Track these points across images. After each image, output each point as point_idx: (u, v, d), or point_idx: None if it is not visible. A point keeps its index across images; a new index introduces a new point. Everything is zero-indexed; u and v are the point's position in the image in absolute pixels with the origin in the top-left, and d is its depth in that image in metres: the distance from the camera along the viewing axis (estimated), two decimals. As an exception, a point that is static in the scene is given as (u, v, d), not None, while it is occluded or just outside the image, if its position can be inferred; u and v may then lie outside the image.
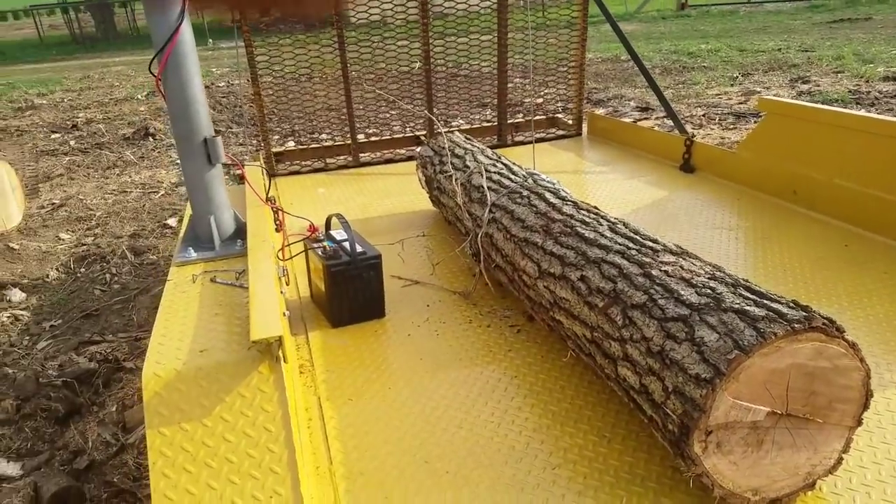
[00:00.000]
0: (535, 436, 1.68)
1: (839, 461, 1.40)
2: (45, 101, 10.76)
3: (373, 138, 4.81)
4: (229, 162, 2.02)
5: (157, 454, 1.29)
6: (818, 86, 7.93)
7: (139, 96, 10.65)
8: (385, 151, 4.73)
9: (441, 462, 1.60)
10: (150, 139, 7.76)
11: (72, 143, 7.89)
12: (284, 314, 1.94)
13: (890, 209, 2.69)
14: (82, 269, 4.21)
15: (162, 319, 1.59)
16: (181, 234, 2.05)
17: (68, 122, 8.92)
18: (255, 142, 7.13)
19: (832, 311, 2.18)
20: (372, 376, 1.99)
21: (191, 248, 1.95)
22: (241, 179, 2.64)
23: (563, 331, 1.90)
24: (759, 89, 8.01)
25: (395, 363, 2.07)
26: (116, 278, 4.02)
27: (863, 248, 2.66)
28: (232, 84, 10.98)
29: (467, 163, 2.97)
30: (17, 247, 4.59)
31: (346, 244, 2.32)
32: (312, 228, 2.47)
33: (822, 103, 7.00)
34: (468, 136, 3.40)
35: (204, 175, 1.91)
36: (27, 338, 3.40)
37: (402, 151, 4.73)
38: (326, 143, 4.69)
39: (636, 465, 1.55)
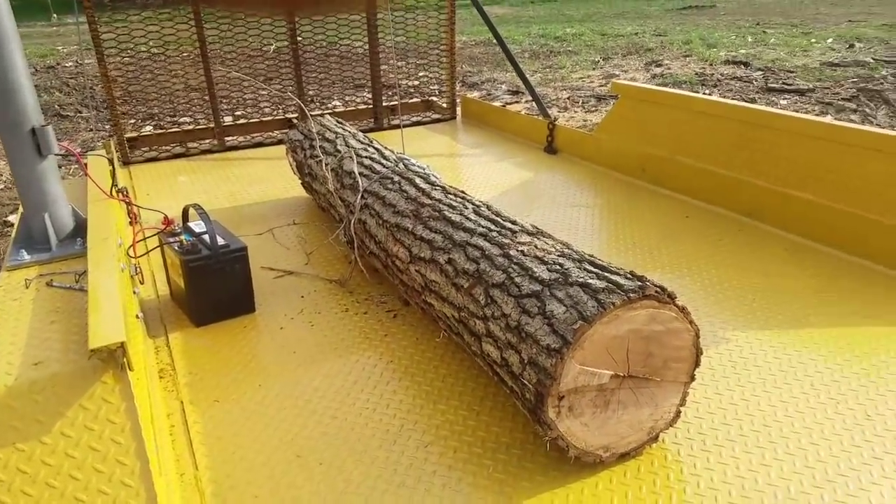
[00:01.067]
0: (409, 416, 1.74)
1: (678, 414, 1.57)
2: None
3: (241, 121, 4.64)
4: (64, 153, 1.88)
5: None
6: (669, 69, 8.54)
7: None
8: (254, 135, 4.56)
9: (314, 454, 1.61)
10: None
11: None
12: (137, 316, 1.85)
13: (723, 182, 2.98)
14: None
15: None
16: (13, 235, 1.89)
17: None
18: (108, 127, 6.66)
19: (673, 278, 2.41)
20: (240, 375, 1.95)
21: (23, 250, 1.78)
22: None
23: (434, 313, 1.97)
24: (618, 73, 8.52)
25: (265, 359, 2.03)
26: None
27: (701, 219, 2.94)
28: (81, 64, 10.12)
29: (338, 147, 2.96)
30: None
31: (206, 237, 2.21)
32: (167, 221, 2.33)
33: (672, 85, 7.56)
34: (339, 119, 3.38)
35: (34, 168, 1.76)
36: None
37: (274, 134, 4.58)
38: (188, 127, 4.47)
39: (501, 435, 1.65)
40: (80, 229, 1.87)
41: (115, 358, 1.29)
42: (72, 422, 1.26)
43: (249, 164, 4.07)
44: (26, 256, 1.77)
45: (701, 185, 3.09)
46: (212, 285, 2.19)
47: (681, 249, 2.65)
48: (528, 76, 4.49)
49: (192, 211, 2.29)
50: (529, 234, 1.84)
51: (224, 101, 4.24)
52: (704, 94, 7.17)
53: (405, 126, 4.89)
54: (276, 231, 2.95)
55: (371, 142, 3.02)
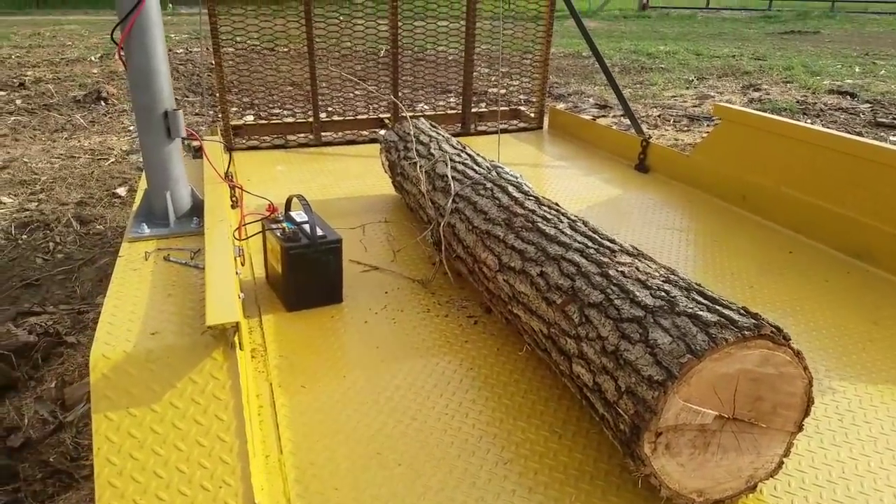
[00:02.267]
0: (488, 429, 1.70)
1: (780, 465, 1.46)
2: (-11, 57, 10.19)
3: (335, 117, 4.73)
4: (188, 136, 1.96)
5: (103, 439, 1.24)
6: (768, 94, 8.19)
7: (92, 58, 10.18)
8: (347, 132, 4.67)
9: (393, 454, 1.60)
10: (103, 103, 7.45)
11: (18, 101, 7.50)
12: (239, 296, 1.90)
13: (831, 219, 2.81)
14: (24, 236, 4.02)
15: (112, 298, 1.53)
16: (135, 209, 1.98)
17: (15, 80, 8.46)
18: (212, 112, 6.92)
19: (775, 317, 2.26)
20: (326, 364, 1.97)
21: (144, 224, 1.88)
22: (198, 153, 2.56)
23: (520, 325, 1.92)
24: (713, 94, 8.23)
25: (350, 351, 2.05)
26: (60, 247, 3.86)
27: (805, 255, 2.77)
28: (191, 51, 10.61)
29: (432, 150, 2.96)
30: (-49, 209, 4.36)
31: (307, 226, 2.27)
32: (271, 208, 2.40)
33: (772, 112, 7.24)
34: (433, 122, 3.38)
35: (162, 149, 1.85)
36: (-40, 306, 3.24)
37: (365, 133, 4.67)
38: (287, 120, 4.60)
39: (586, 463, 1.59)
40: (197, 209, 1.95)
41: (226, 336, 1.33)
42: (181, 393, 1.30)
43: (342, 159, 4.14)
44: (146, 230, 1.87)
45: (807, 220, 2.92)
46: (307, 273, 2.24)
47: (783, 287, 2.50)
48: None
49: (294, 200, 2.34)
50: (630, 254, 1.77)
51: (321, 97, 4.34)
52: (806, 123, 6.84)
53: (491, 133, 4.87)
54: (367, 227, 2.97)
55: (464, 147, 3.00)
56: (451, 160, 2.75)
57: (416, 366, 1.96)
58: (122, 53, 1.76)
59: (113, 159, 5.60)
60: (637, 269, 1.67)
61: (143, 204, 1.92)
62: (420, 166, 2.87)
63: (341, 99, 4.67)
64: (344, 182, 3.65)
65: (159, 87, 1.78)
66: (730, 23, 17.13)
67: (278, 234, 2.28)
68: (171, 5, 16.30)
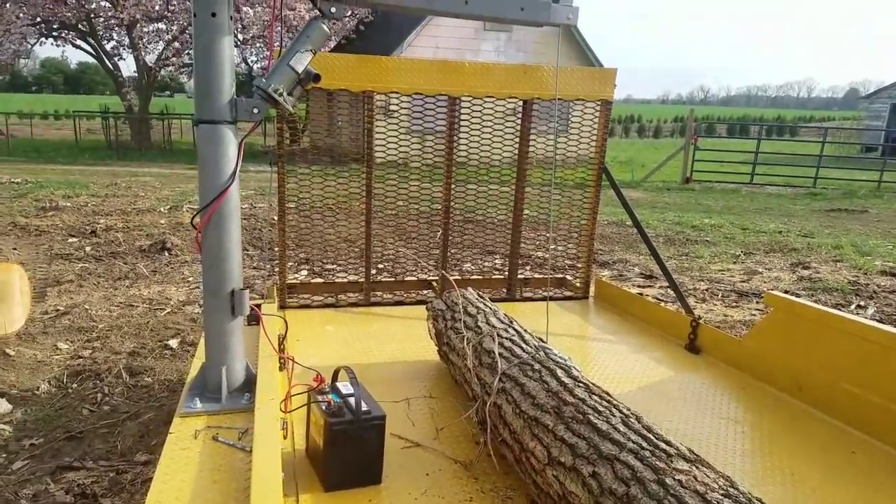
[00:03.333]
0: None
1: None
2: (69, 204, 11.08)
3: (384, 276, 4.89)
4: (251, 315, 2.05)
5: None
6: (818, 272, 8.15)
7: (162, 209, 10.98)
8: (396, 292, 4.80)
9: None
10: (166, 253, 7.91)
11: (87, 248, 8.03)
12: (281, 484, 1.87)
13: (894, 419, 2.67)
14: (74, 385, 4.13)
15: (159, 480, 1.54)
16: (189, 380, 2.03)
17: (87, 228, 9.13)
18: (268, 266, 7.25)
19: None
20: None
21: (197, 399, 1.92)
22: (254, 321, 2.65)
23: (570, 528, 1.82)
24: (760, 269, 8.24)
25: None
26: (108, 399, 3.93)
27: (870, 458, 2.61)
28: (254, 206, 11.34)
29: (479, 323, 3.00)
30: (12, 353, 4.54)
31: (352, 400, 2.27)
32: (319, 379, 2.41)
33: (823, 291, 7.17)
34: (481, 293, 3.45)
35: (224, 326, 1.93)
36: (3, 455, 3.26)
37: (413, 295, 4.79)
38: (339, 279, 4.77)
39: None
40: (249, 384, 1.98)
41: None
42: None
43: (389, 321, 4.22)
44: (199, 405, 1.90)
45: (869, 419, 2.78)
46: (349, 451, 2.20)
47: (849, 493, 2.33)
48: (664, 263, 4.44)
49: (342, 372, 2.36)
50: (687, 460, 1.71)
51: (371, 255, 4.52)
52: (858, 305, 6.72)
53: (537, 300, 4.93)
54: (412, 400, 2.95)
55: (511, 322, 3.04)
56: (498, 335, 2.78)
57: (459, 565, 1.85)
58: (199, 238, 1.90)
59: (169, 309, 5.83)
60: (695, 478, 1.60)
61: (198, 378, 1.98)
62: (467, 339, 2.90)
63: (392, 257, 4.86)
64: (389, 345, 3.69)
65: (230, 269, 1.90)
66: (775, 198, 17.50)
67: (323, 408, 2.25)
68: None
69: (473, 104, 4.56)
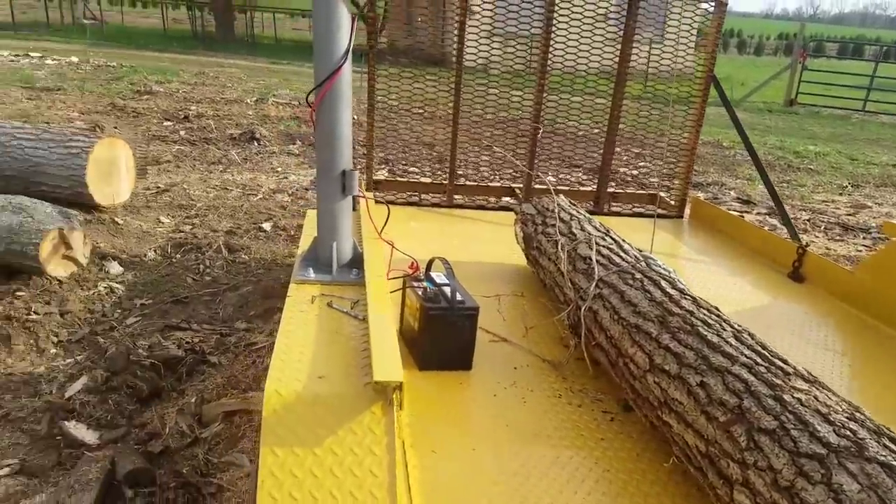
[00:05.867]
0: (625, 541, 1.58)
1: None
2: (162, 89, 11.40)
3: (463, 180, 4.83)
4: (358, 194, 2.06)
5: (268, 473, 1.29)
6: (935, 211, 7.53)
7: (248, 100, 11.14)
8: (478, 197, 4.75)
9: None
10: (255, 143, 8.08)
11: (182, 132, 8.30)
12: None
13: None
14: (178, 255, 4.36)
15: (283, 336, 1.61)
16: (302, 252, 2.10)
17: (181, 113, 9.40)
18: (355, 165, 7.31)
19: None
20: (455, 432, 1.94)
21: (311, 269, 2.01)
22: (355, 206, 2.67)
23: (669, 434, 1.80)
24: (870, 204, 7.67)
25: (479, 423, 2.01)
26: (209, 270, 4.15)
27: None
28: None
29: (573, 230, 2.92)
30: (121, 222, 4.82)
31: (447, 289, 2.29)
32: (415, 267, 2.46)
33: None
34: (573, 200, 3.35)
35: (335, 204, 1.97)
36: (118, 311, 3.53)
37: (493, 200, 4.72)
38: (423, 179, 4.75)
39: None
40: (356, 261, 2.03)
41: (387, 393, 1.36)
42: (340, 441, 1.34)
43: (473, 223, 4.19)
44: (312, 274, 2.01)
45: None
46: (443, 336, 2.25)
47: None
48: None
49: (437, 262, 2.37)
50: (806, 380, 1.62)
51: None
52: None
53: (625, 215, 4.76)
54: (502, 298, 2.95)
55: (608, 231, 2.94)
56: (596, 243, 2.70)
57: (548, 455, 1.88)
58: (314, 115, 1.88)
59: (261, 195, 6.01)
60: (815, 398, 1.52)
61: (311, 250, 2.04)
62: (561, 245, 2.83)
63: (472, 163, 4.77)
64: (474, 246, 3.68)
65: (341, 149, 1.91)
66: (889, 128, 16.07)
67: (419, 293, 2.31)
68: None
69: (573, 4, 4.25)
